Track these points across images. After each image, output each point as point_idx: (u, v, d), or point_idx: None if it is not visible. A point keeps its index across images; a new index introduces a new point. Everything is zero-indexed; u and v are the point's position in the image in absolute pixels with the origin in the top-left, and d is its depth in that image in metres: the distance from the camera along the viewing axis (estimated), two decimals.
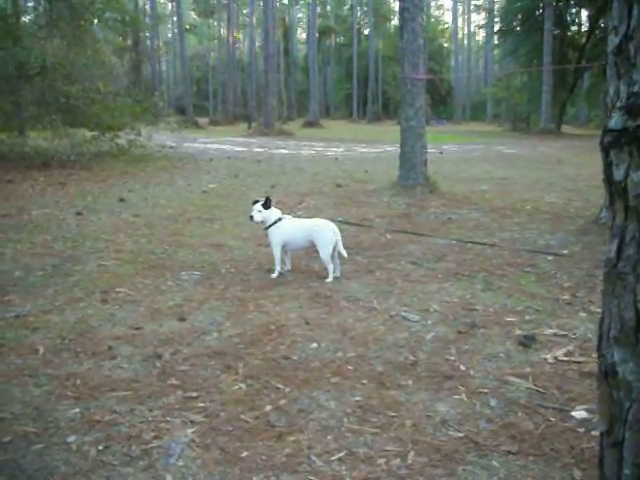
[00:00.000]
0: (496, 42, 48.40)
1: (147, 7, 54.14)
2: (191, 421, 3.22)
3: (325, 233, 5.71)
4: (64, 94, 16.06)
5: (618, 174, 1.61)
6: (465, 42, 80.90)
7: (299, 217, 7.52)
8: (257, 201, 6.03)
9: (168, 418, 3.25)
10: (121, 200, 10.45)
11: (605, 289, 1.72)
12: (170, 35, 78.97)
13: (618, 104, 1.61)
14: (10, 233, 7.86)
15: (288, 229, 5.89)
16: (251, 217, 5.94)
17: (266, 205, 5.92)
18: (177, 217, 9.00)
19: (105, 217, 9.05)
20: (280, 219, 5.93)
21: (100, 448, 2.98)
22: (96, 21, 20.56)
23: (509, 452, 2.91)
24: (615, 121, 1.61)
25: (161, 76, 65.61)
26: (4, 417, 3.27)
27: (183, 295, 5.32)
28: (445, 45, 77.69)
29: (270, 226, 5.91)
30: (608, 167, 1.65)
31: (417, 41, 10.61)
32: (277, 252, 5.91)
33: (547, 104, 34.51)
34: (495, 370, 3.83)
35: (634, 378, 1.58)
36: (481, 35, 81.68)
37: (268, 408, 3.34)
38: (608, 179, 1.67)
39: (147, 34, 52.26)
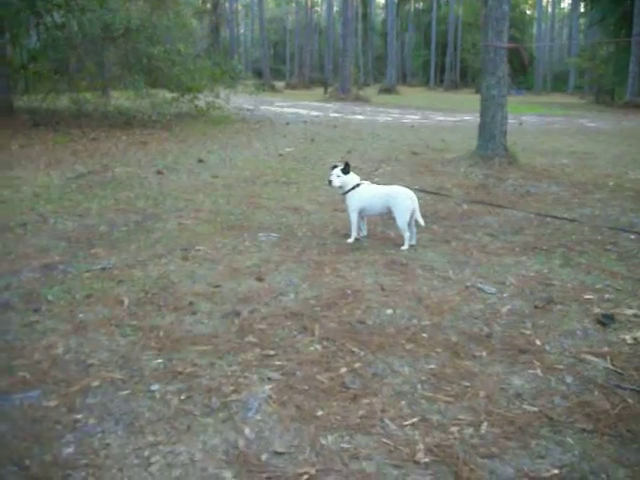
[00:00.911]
0: (582, 10, 46.41)
1: None
2: (268, 378, 3.32)
3: (403, 200, 5.70)
4: (146, 55, 16.38)
5: None
6: (549, 9, 77.97)
7: (376, 183, 7.53)
8: (336, 166, 6.02)
9: (246, 374, 3.36)
10: (200, 161, 10.66)
11: None
12: None
13: None
14: (95, 189, 8.16)
15: (366, 195, 5.88)
16: (330, 182, 5.94)
17: (345, 170, 5.91)
18: (254, 179, 9.13)
19: (184, 177, 9.26)
20: (358, 185, 5.92)
21: (182, 398, 3.12)
22: None
23: (584, 430, 2.89)
24: None
25: (239, 39, 66.09)
26: (93, 363, 3.46)
27: (260, 256, 5.44)
28: (528, 12, 75.02)
29: (348, 191, 5.92)
30: None
31: (502, 8, 10.30)
32: (354, 218, 5.92)
33: (634, 76, 32.98)
34: (571, 347, 3.78)
35: None
36: (566, 2, 78.69)
37: (343, 370, 3.41)
38: None
39: None
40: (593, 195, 8.45)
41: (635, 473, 2.60)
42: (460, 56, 64.50)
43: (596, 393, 3.26)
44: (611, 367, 3.55)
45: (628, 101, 33.28)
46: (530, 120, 22.52)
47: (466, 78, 63.65)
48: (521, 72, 55.64)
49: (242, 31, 77.03)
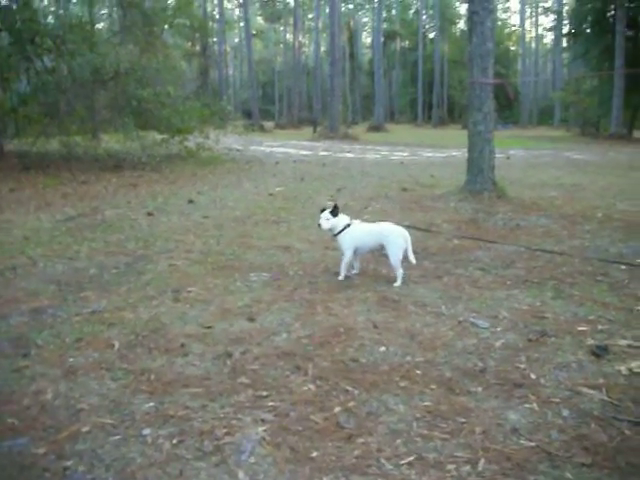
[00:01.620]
0: (565, 45, 47.32)
1: (215, 13, 55.16)
2: (262, 419, 3.27)
3: (395, 237, 5.71)
4: (136, 98, 16.54)
5: None
6: (533, 45, 79.39)
7: (366, 221, 7.54)
8: (325, 209, 5.98)
9: (239, 416, 3.31)
10: (190, 201, 10.68)
11: None
12: (237, 40, 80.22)
13: None
14: (85, 232, 8.14)
15: (358, 234, 5.87)
16: (319, 225, 5.91)
17: (334, 212, 5.87)
18: (245, 219, 9.14)
19: (175, 218, 9.26)
20: (349, 225, 5.89)
21: (174, 442, 3.06)
22: (167, 27, 21.08)
23: (583, 464, 2.86)
24: None
25: (228, 80, 66.76)
26: (83, 408, 3.40)
27: (252, 296, 5.41)
28: (512, 48, 76.35)
29: (339, 233, 5.92)
30: None
31: (486, 45, 10.48)
32: (348, 257, 5.91)
33: (618, 108, 33.55)
34: (567, 380, 3.75)
35: None
36: (549, 38, 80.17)
37: (337, 409, 3.37)
38: None
39: (215, 39, 53.26)
40: (582, 227, 8.50)
41: None
42: (447, 93, 65.45)
43: (593, 426, 3.22)
44: (607, 399, 3.52)
45: (613, 133, 33.79)
46: (517, 154, 22.78)
47: (453, 114, 64.45)
48: (507, 107, 56.41)
49: (231, 72, 77.78)
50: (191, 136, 18.50)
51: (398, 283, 5.68)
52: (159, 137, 18.19)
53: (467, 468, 2.83)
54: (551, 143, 31.87)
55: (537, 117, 65.56)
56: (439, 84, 64.27)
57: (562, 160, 20.95)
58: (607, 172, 16.58)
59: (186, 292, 5.52)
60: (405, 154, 23.06)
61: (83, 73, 15.13)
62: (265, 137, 35.40)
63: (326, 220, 5.86)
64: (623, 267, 6.33)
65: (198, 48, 44.22)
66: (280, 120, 56.89)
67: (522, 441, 3.05)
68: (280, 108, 69.08)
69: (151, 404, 3.45)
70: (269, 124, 48.68)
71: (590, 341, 4.33)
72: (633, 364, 4.00)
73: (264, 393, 3.57)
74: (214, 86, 47.56)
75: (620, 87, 32.97)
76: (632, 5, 34.53)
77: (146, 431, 3.17)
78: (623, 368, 3.93)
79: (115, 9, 20.80)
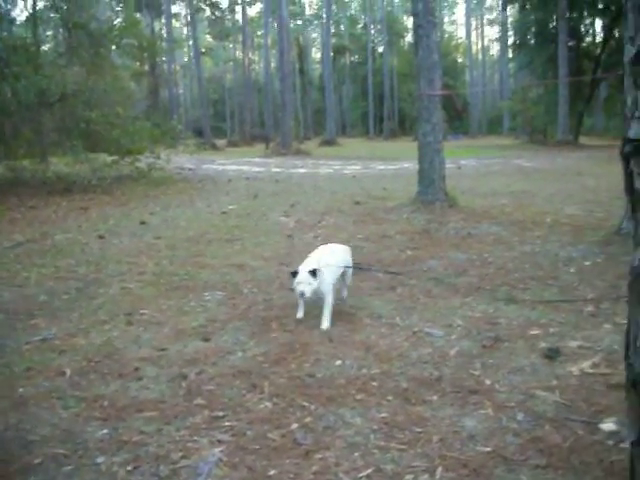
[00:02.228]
0: (510, 55, 48.42)
1: (163, 32, 54.90)
2: (218, 440, 3.23)
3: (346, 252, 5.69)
4: (84, 120, 16.31)
5: (639, 183, 1.62)
6: (479, 56, 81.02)
7: (318, 236, 7.58)
8: (295, 272, 4.95)
9: (195, 438, 3.26)
10: (142, 223, 10.55)
11: (630, 298, 1.72)
12: (186, 59, 79.86)
13: (637, 114, 1.62)
14: (34, 258, 7.97)
15: (333, 269, 5.15)
16: (302, 294, 4.87)
17: (314, 274, 4.84)
18: (198, 238, 9.07)
19: (127, 240, 9.14)
20: (318, 269, 4.92)
21: (129, 469, 3.00)
22: (114, 47, 20.89)
23: (538, 466, 2.89)
24: (635, 131, 1.63)
25: (178, 99, 66.41)
26: (34, 439, 3.31)
27: (206, 315, 5.36)
28: (459, 60, 77.74)
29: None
30: (629, 177, 1.67)
31: (432, 57, 10.66)
32: (332, 300, 5.07)
33: (564, 116, 34.40)
34: (521, 384, 3.80)
35: None
36: (495, 49, 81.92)
37: (294, 426, 3.35)
38: (629, 188, 1.68)
39: (164, 59, 52.96)
40: (532, 232, 8.66)
41: None
42: (397, 105, 66.16)
43: (547, 428, 3.27)
44: (560, 400, 3.58)
45: (560, 139, 34.61)
46: (468, 164, 23.12)
47: (404, 126, 65.08)
48: (457, 118, 57.33)
49: (181, 91, 77.45)
50: (142, 157, 18.30)
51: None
52: (109, 159, 17.95)
53: (425, 477, 2.83)
54: (501, 151, 32.44)
55: (487, 127, 66.72)
56: (389, 97, 64.99)
57: (512, 168, 21.34)
58: (555, 178, 16.96)
59: (139, 315, 5.44)
60: (357, 167, 23.20)
61: (28, 96, 14.84)
62: (217, 155, 35.27)
63: (309, 285, 4.83)
64: (572, 270, 6.47)
65: (147, 68, 43.89)
66: (232, 137, 56.70)
67: (478, 447, 3.07)
68: (232, 125, 68.96)
69: (105, 431, 3.38)
70: (221, 142, 48.50)
71: (542, 344, 4.40)
72: (584, 364, 4.08)
73: (220, 413, 3.53)
74: (164, 105, 47.27)
75: (565, 95, 33.82)
76: (573, 15, 35.59)
77: (100, 459, 3.09)
78: (575, 369, 4.01)
79: (60, 30, 20.48)
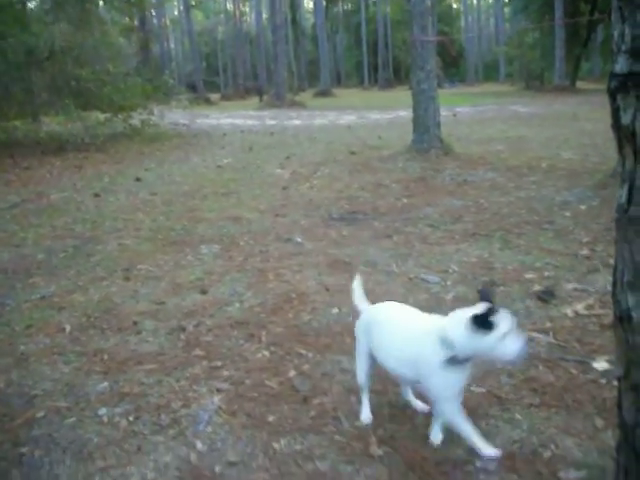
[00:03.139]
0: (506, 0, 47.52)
1: None
2: (217, 389, 3.28)
3: None
4: (75, 77, 16.10)
5: (625, 118, 1.61)
6: (474, 1, 79.57)
7: (316, 187, 7.56)
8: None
9: (195, 387, 3.32)
10: (137, 180, 10.51)
11: (617, 235, 1.73)
12: (176, 12, 78.43)
13: (623, 48, 1.60)
14: (31, 218, 7.96)
15: None
16: None
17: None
18: (194, 193, 9.05)
19: (123, 197, 9.12)
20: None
21: (130, 419, 3.05)
22: (101, 3, 20.49)
23: (531, 405, 2.95)
24: (621, 65, 1.60)
25: (170, 54, 65.52)
26: (36, 394, 3.36)
27: (203, 269, 5.38)
28: (454, 6, 76.44)
29: None
30: (615, 112, 1.65)
31: (425, 3, 10.48)
32: None
33: (561, 60, 33.93)
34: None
35: None
36: None
37: (292, 374, 3.40)
38: (616, 124, 1.66)
39: (153, 13, 52.02)
40: (528, 178, 8.64)
41: (582, 440, 2.66)
42: (392, 54, 65.23)
43: (541, 368, 3.32)
44: (554, 341, 3.63)
45: (557, 84, 34.20)
46: (464, 111, 22.91)
47: (400, 75, 64.34)
48: (452, 65, 56.67)
49: (172, 46, 76.33)
50: (135, 113, 18.11)
51: None
52: (102, 116, 17.78)
53: (422, 419, 2.88)
54: (497, 98, 32.12)
55: (483, 73, 65.96)
56: (383, 45, 64.04)
57: (508, 114, 21.17)
58: (551, 123, 16.83)
59: (137, 270, 5.46)
60: (352, 117, 23.01)
61: (17, 54, 14.63)
62: (211, 110, 34.92)
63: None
64: (568, 214, 6.48)
65: (136, 22, 43.12)
66: (226, 91, 56.09)
67: (473, 388, 3.12)
68: (225, 79, 68.14)
69: (105, 384, 3.43)
70: (215, 96, 48.00)
71: (537, 287, 4.44)
72: (578, 306, 4.12)
73: (219, 363, 3.58)
74: (156, 60, 46.63)
75: (561, 39, 33.31)
76: None
77: (102, 411, 3.15)
78: (569, 311, 4.05)
79: None
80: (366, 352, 2.80)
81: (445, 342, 2.42)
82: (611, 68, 1.68)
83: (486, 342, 2.33)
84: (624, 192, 1.66)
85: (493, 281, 4.59)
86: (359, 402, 2.99)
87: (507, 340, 2.33)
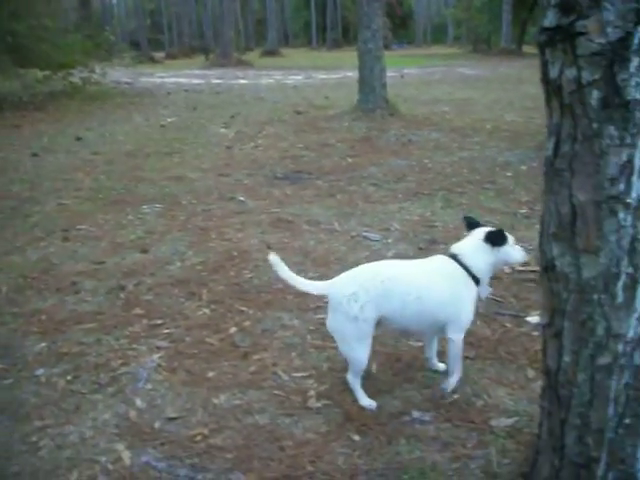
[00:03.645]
0: None
1: None
2: (157, 347, 3.27)
3: None
4: (10, 32, 15.42)
5: (553, 72, 1.63)
6: None
7: (258, 146, 7.49)
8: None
9: (134, 346, 3.30)
10: (78, 139, 10.22)
11: (545, 187, 1.77)
12: None
13: (552, 2, 1.61)
14: None
15: None
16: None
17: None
18: (136, 153, 8.86)
19: (62, 157, 8.86)
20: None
21: (69, 378, 3.02)
22: None
23: (467, 357, 3.01)
24: (549, 19, 1.62)
25: (112, 10, 63.50)
26: None
27: (145, 228, 5.31)
28: None
29: None
30: (544, 66, 1.67)
31: None
32: None
33: (507, 24, 34.12)
34: None
35: (571, 270, 1.64)
36: None
37: (233, 330, 3.40)
38: (544, 78, 1.68)
39: None
40: (472, 139, 8.74)
41: (514, 390, 2.75)
42: (341, 14, 64.54)
43: (478, 323, 3.39)
44: (491, 297, 3.70)
45: (503, 48, 34.43)
46: (412, 72, 22.92)
47: (348, 36, 63.63)
48: (401, 26, 56.48)
49: (114, 1, 73.88)
50: (75, 71, 17.52)
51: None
52: (40, 74, 17.14)
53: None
54: (444, 60, 32.21)
55: (431, 36, 65.84)
56: (332, 5, 63.26)
57: (455, 76, 21.27)
58: (497, 86, 16.98)
59: (76, 230, 5.35)
60: (299, 77, 22.77)
61: None
62: (155, 68, 34.04)
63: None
64: (509, 174, 6.59)
65: None
66: (171, 50, 54.70)
67: (411, 342, 3.18)
68: (170, 37, 66.38)
69: (43, 344, 3.37)
70: (159, 55, 46.75)
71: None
72: None
73: (159, 322, 3.56)
74: (97, 17, 45.11)
75: (509, 2, 33.41)
76: None
77: (39, 371, 3.10)
78: (506, 267, 4.13)
79: None
80: (372, 329, 2.65)
81: (471, 272, 2.72)
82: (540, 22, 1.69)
83: (503, 253, 2.82)
84: (551, 145, 1.69)
85: (434, 239, 4.65)
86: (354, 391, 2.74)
87: (515, 247, 2.90)
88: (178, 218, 5.55)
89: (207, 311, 3.66)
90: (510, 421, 2.53)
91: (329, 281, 2.80)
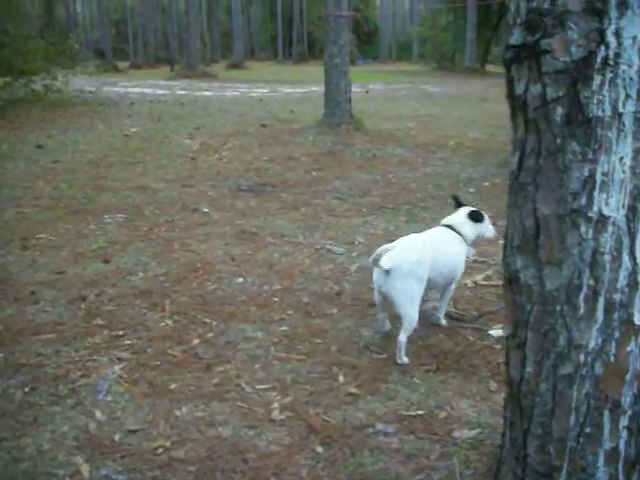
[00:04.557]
0: None
1: None
2: (118, 358, 3.22)
3: None
4: None
5: (519, 88, 1.66)
6: None
7: (223, 158, 7.48)
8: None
9: (95, 357, 3.24)
10: (39, 147, 10.05)
11: (509, 201, 1.80)
12: None
13: (518, 20, 1.65)
14: None
15: None
16: None
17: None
18: (98, 162, 8.74)
19: (22, 164, 8.70)
20: None
21: (26, 390, 2.95)
22: None
23: (430, 370, 3.04)
24: (515, 37, 1.65)
25: (76, 18, 62.86)
26: None
27: (107, 238, 5.23)
28: None
29: None
30: (510, 82, 1.70)
31: None
32: None
33: (471, 43, 34.66)
34: None
35: (534, 282, 1.68)
36: None
37: (195, 342, 3.37)
38: (510, 94, 1.72)
39: None
40: (436, 155, 8.84)
41: (476, 402, 2.78)
42: (307, 29, 64.87)
43: (441, 336, 3.43)
44: (454, 310, 3.75)
45: (468, 66, 34.95)
46: (377, 88, 23.11)
47: (314, 50, 63.89)
48: (367, 42, 56.94)
49: (79, 10, 73.12)
50: (37, 78, 17.26)
51: None
52: (1, 80, 16.85)
53: (323, 385, 2.93)
54: (409, 77, 32.58)
55: (396, 52, 66.50)
56: (298, 20, 63.55)
57: (419, 93, 21.51)
58: (461, 103, 17.21)
59: (35, 239, 5.24)
60: (265, 91, 22.78)
61: None
62: (120, 78, 33.70)
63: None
64: (472, 190, 6.67)
65: None
66: (136, 60, 54.30)
67: (375, 355, 3.19)
68: (135, 47, 65.93)
69: (0, 355, 3.29)
70: (124, 64, 46.41)
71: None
72: (478, 277, 4.28)
73: (120, 333, 3.51)
74: (61, 24, 44.67)
75: (473, 22, 33.97)
76: None
77: None
78: (469, 281, 4.19)
79: None
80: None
81: (464, 238, 3.56)
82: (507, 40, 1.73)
83: (482, 228, 3.67)
84: (515, 159, 1.73)
85: None
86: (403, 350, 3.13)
87: (489, 226, 3.73)
88: (141, 228, 5.49)
89: (170, 322, 3.62)
90: (473, 433, 2.55)
91: (388, 256, 3.15)
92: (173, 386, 2.95)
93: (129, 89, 23.26)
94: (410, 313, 3.15)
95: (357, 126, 10.57)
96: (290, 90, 22.65)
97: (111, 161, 8.74)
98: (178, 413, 2.74)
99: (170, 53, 47.87)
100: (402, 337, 3.12)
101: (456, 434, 2.54)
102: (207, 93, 21.37)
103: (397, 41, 68.74)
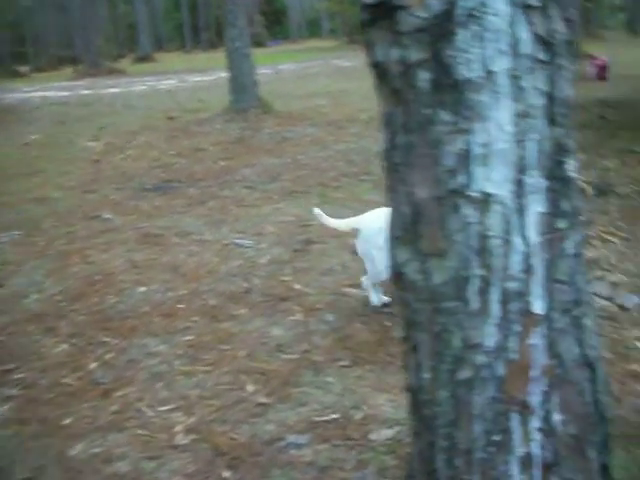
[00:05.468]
0: None
1: None
2: (7, 397, 2.92)
3: None
4: None
5: (379, 54, 1.45)
6: None
7: (128, 157, 7.13)
8: None
9: None
10: None
11: (386, 185, 1.59)
12: None
13: None
14: None
15: None
16: None
17: None
18: None
19: None
20: None
21: None
22: None
23: (344, 366, 2.85)
24: None
25: None
26: None
27: (0, 259, 4.84)
28: None
29: None
30: (369, 48, 1.49)
31: None
32: None
33: None
34: (331, 284, 3.76)
35: (419, 277, 1.45)
36: None
37: (93, 366, 3.09)
38: (371, 62, 1.50)
39: None
40: (348, 130, 8.68)
41: (394, 395, 2.60)
42: (214, 14, 63.59)
43: (356, 325, 3.26)
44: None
45: None
46: (288, 68, 22.82)
47: (223, 36, 63.05)
48: (276, 23, 56.37)
49: None
50: None
51: None
52: None
53: (231, 397, 2.71)
54: (321, 53, 32.32)
55: (307, 30, 66.09)
56: (203, 5, 62.30)
57: (331, 69, 21.33)
58: (372, 77, 17.10)
59: None
60: (173, 82, 22.11)
61: None
62: (20, 83, 32.29)
63: None
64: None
65: None
66: (37, 62, 52.26)
67: (285, 355, 2.99)
68: (36, 49, 63.45)
69: None
70: (24, 68, 44.55)
71: (353, 241, 4.38)
72: None
73: (10, 366, 3.18)
74: None
75: None
76: None
77: None
78: None
79: None
80: None
81: None
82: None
83: None
84: (386, 137, 1.52)
85: (309, 239, 4.48)
86: None
87: None
88: (37, 244, 5.09)
89: (65, 347, 3.31)
90: (390, 432, 2.37)
91: (357, 218, 3.47)
92: (67, 421, 2.67)
93: (31, 94, 22.26)
94: (371, 270, 3.33)
95: (266, 109, 10.32)
96: (199, 78, 22.11)
97: (8, 174, 8.16)
98: (72, 452, 2.47)
99: (74, 52, 46.23)
100: (366, 282, 3.41)
101: (373, 436, 2.36)
102: (113, 90, 20.65)
103: (306, 19, 68.28)
